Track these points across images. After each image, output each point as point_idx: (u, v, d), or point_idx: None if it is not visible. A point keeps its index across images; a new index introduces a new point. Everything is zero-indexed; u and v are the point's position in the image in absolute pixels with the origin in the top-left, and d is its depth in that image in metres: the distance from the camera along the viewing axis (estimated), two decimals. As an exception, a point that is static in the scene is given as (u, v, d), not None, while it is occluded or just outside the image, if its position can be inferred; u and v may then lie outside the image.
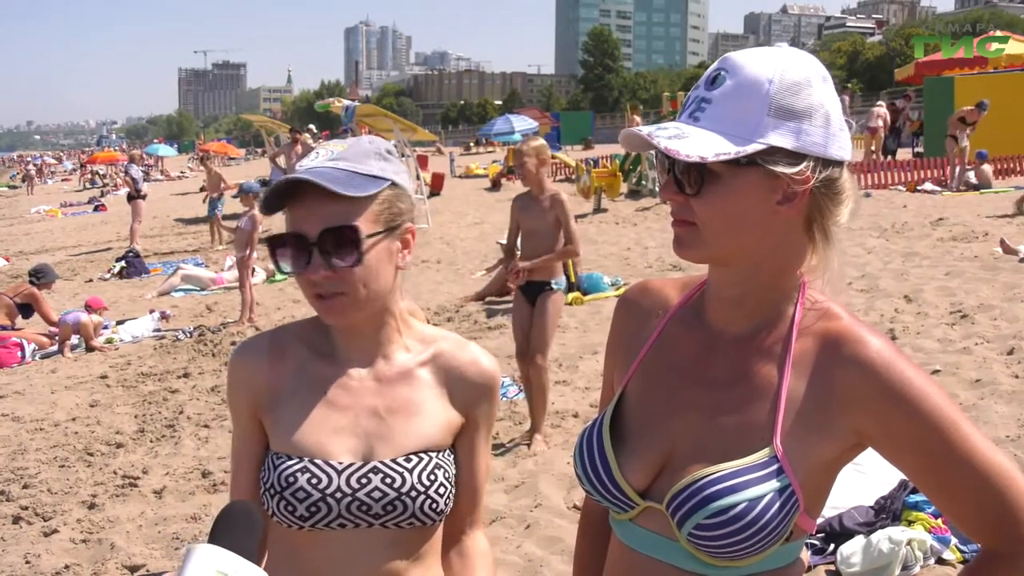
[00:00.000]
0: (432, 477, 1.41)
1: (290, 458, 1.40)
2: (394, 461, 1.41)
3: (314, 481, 1.38)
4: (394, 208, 1.43)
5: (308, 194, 1.36)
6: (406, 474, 1.40)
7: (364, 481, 1.39)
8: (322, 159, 1.41)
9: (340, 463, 1.40)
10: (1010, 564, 1.16)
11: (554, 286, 5.41)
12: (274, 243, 1.40)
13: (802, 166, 1.15)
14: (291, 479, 1.38)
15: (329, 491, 1.38)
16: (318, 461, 1.40)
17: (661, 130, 1.16)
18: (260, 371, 1.48)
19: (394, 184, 1.43)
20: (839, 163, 1.19)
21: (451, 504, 1.46)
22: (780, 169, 1.14)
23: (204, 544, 1.16)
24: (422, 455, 1.43)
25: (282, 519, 1.39)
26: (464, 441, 1.52)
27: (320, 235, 1.35)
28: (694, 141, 1.14)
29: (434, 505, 1.41)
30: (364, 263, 1.38)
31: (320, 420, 1.43)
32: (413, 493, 1.39)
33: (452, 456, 1.49)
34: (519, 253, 5.58)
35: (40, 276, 9.99)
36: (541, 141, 5.61)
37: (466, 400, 1.50)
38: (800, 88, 1.15)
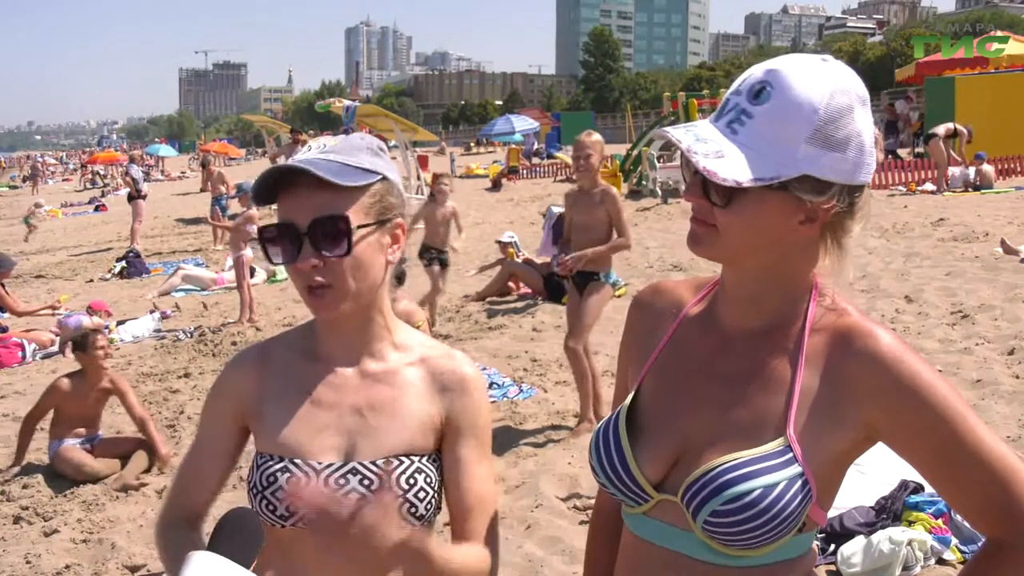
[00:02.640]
0: (411, 481, 1.41)
1: (272, 458, 1.42)
2: (373, 463, 1.41)
3: (293, 481, 1.39)
4: (385, 202, 1.43)
5: (299, 184, 1.36)
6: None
7: (342, 482, 1.39)
8: (314, 152, 1.41)
9: (320, 463, 1.40)
10: (1016, 553, 1.18)
11: (601, 277, 5.46)
12: (264, 234, 1.40)
13: (829, 194, 1.17)
14: (272, 478, 1.39)
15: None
16: (298, 461, 1.40)
17: (700, 143, 1.15)
18: (248, 382, 1.49)
19: (385, 178, 1.43)
20: (862, 186, 1.21)
21: (434, 510, 1.45)
22: (807, 197, 1.16)
23: (202, 552, 1.16)
24: (403, 458, 1.42)
25: (265, 517, 1.40)
26: (451, 453, 1.48)
27: (310, 224, 1.35)
28: (730, 163, 1.14)
29: (413, 509, 1.40)
30: (354, 254, 1.37)
31: (304, 419, 1.44)
32: None
33: (437, 463, 1.47)
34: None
35: None
36: (599, 136, 5.62)
37: (449, 409, 1.48)
38: (843, 116, 1.16)
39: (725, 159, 1.14)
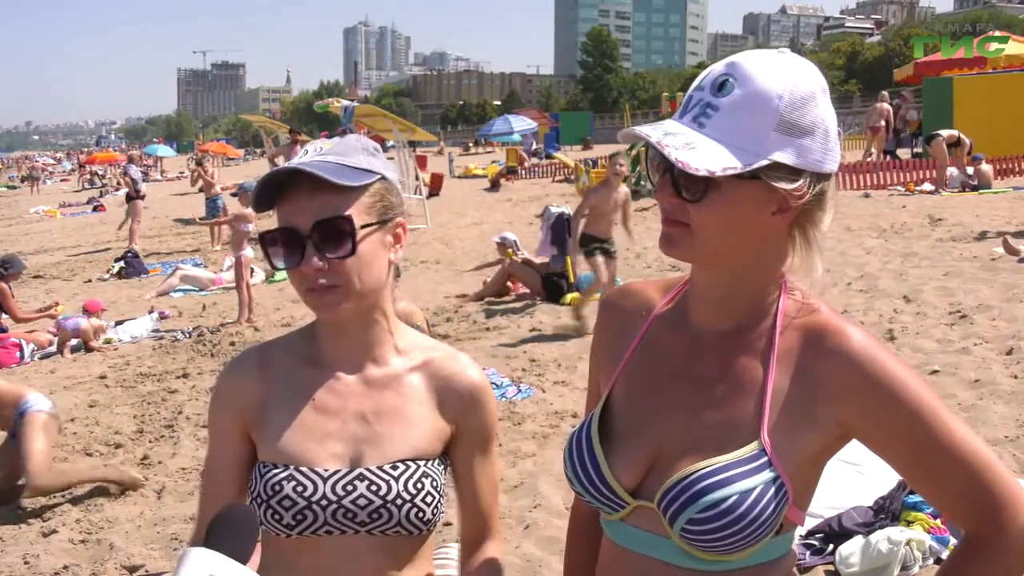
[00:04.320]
0: (419, 486, 1.40)
1: (276, 467, 1.40)
2: (380, 468, 1.40)
3: (300, 489, 1.37)
4: (386, 201, 1.42)
5: (299, 188, 1.35)
6: (392, 482, 1.39)
7: (349, 488, 1.38)
8: (311, 155, 1.40)
9: (326, 470, 1.39)
10: (993, 546, 1.18)
11: None
12: (266, 240, 1.39)
13: (800, 182, 1.17)
14: (277, 488, 1.38)
15: (315, 499, 1.37)
16: (304, 469, 1.39)
17: (670, 136, 1.15)
18: (250, 385, 1.47)
19: (384, 178, 1.43)
20: (830, 175, 1.21)
21: (440, 514, 1.44)
22: (781, 185, 1.16)
23: (199, 548, 1.16)
24: (409, 463, 1.41)
25: (270, 527, 1.39)
26: (460, 455, 1.50)
27: (313, 227, 1.34)
28: (702, 153, 1.13)
29: (420, 514, 1.39)
30: (358, 254, 1.36)
31: (308, 426, 1.42)
32: (399, 501, 1.38)
33: (442, 466, 1.47)
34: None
35: (8, 267, 9.32)
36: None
37: (455, 411, 1.48)
38: (807, 103, 1.16)
39: (696, 150, 1.13)
